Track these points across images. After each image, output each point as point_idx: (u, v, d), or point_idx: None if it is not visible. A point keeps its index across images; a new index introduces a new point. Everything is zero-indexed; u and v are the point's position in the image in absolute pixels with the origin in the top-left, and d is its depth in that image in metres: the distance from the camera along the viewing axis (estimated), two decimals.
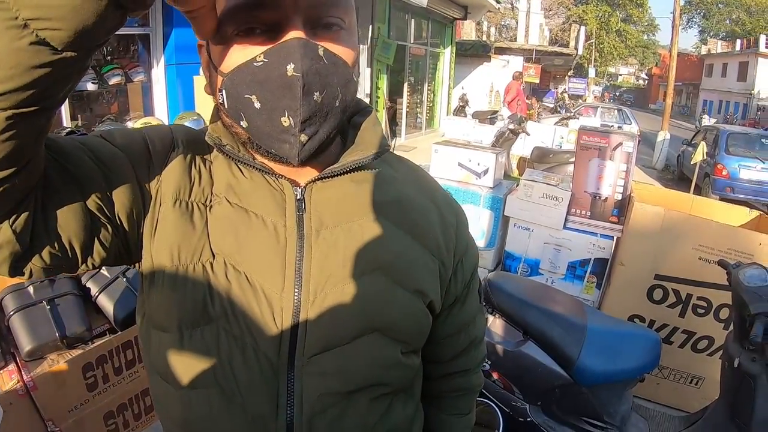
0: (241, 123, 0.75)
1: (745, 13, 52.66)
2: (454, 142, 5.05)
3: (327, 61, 0.71)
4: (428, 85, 16.63)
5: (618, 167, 3.76)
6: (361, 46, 10.87)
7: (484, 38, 27.67)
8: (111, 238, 0.76)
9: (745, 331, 2.29)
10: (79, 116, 5.98)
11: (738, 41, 42.30)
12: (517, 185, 4.26)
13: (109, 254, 0.77)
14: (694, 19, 62.39)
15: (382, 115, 12.15)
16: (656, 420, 2.81)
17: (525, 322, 2.49)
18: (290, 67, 0.68)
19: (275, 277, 0.80)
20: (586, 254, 3.84)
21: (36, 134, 0.61)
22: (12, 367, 2.28)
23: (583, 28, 31.32)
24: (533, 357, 2.47)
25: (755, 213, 3.72)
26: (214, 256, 0.80)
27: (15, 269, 0.69)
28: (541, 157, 7.55)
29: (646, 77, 69.25)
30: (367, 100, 11.34)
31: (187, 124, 4.69)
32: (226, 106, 0.76)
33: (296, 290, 0.80)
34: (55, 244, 0.70)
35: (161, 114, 6.70)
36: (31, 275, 0.70)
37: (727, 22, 56.31)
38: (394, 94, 13.92)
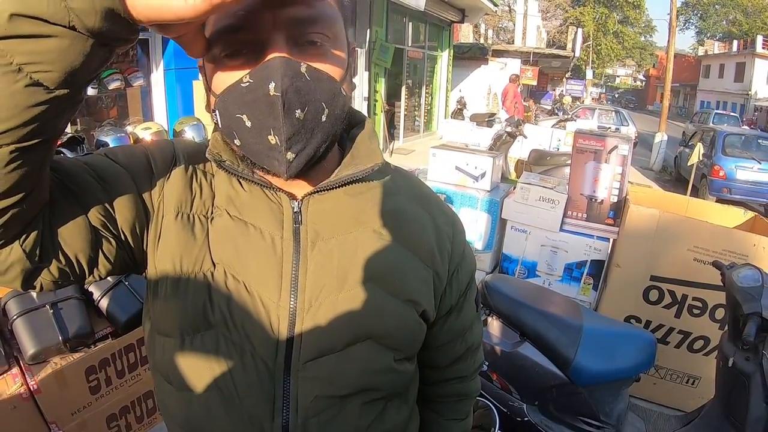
0: (235, 141, 0.78)
1: (742, 14, 52.74)
2: (452, 145, 5.08)
3: (309, 77, 0.73)
4: (426, 88, 16.64)
5: (613, 170, 3.80)
6: (358, 49, 10.93)
7: (482, 41, 27.71)
8: (115, 252, 0.81)
9: (738, 331, 2.33)
10: (78, 121, 5.98)
11: (735, 42, 42.39)
12: (514, 188, 4.31)
13: (114, 266, 0.82)
14: (691, 21, 62.52)
15: (380, 119, 12.17)
16: (653, 419, 2.84)
17: (521, 324, 2.53)
18: (271, 86, 0.70)
19: (272, 286, 0.84)
20: (583, 256, 3.87)
21: (39, 163, 0.66)
22: (16, 370, 2.30)
23: (580, 30, 31.28)
24: (530, 357, 2.51)
25: (750, 214, 3.76)
26: (214, 265, 0.84)
27: (27, 284, 0.74)
28: (539, 160, 7.57)
29: (644, 78, 69.32)
30: (365, 104, 11.40)
31: (186, 128, 4.70)
32: (220, 126, 0.80)
33: (292, 299, 0.84)
34: (63, 260, 0.75)
35: (161, 118, 6.71)
36: (41, 288, 0.75)
37: (724, 23, 56.41)
38: (392, 97, 13.93)
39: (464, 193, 4.44)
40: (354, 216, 0.90)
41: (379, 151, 0.93)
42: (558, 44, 39.22)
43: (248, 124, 0.74)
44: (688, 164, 5.93)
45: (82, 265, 0.77)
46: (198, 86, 6.23)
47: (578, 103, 27.72)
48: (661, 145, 14.93)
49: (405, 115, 14.97)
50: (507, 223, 4.23)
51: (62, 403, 2.48)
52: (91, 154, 0.84)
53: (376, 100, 12.04)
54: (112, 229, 0.79)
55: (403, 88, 14.63)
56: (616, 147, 3.76)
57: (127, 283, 2.63)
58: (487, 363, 2.57)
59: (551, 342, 2.46)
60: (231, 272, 0.83)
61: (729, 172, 10.82)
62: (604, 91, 58.05)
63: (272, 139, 0.74)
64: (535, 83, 23.39)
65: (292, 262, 0.85)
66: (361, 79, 11.18)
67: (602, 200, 3.83)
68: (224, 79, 0.75)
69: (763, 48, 36.80)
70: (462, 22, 17.16)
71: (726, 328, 2.57)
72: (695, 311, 3.28)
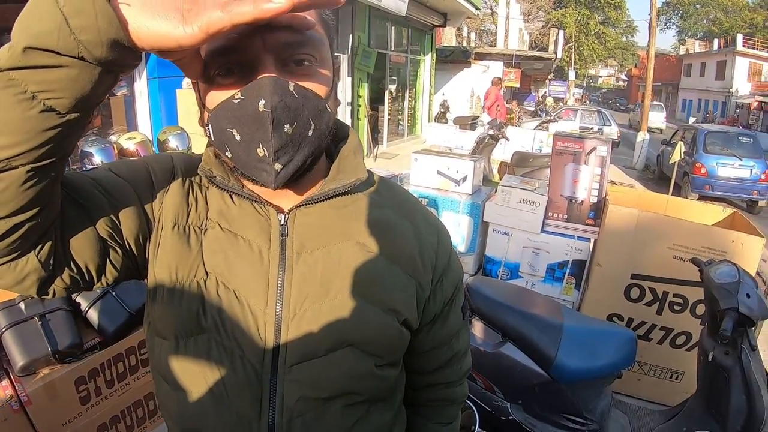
0: (227, 153, 0.83)
1: (722, 13, 53.30)
2: (434, 150, 5.13)
3: (297, 95, 0.78)
4: (409, 92, 16.66)
5: (593, 171, 3.87)
6: (341, 55, 10.96)
7: (465, 44, 27.83)
8: (121, 260, 0.87)
9: (717, 326, 2.38)
10: None
11: (716, 41, 42.82)
12: (496, 191, 4.36)
13: (120, 273, 0.88)
14: (672, 20, 63.09)
15: (364, 123, 12.20)
16: (637, 415, 2.89)
17: (503, 324, 2.57)
18: (261, 103, 0.75)
19: (260, 294, 0.89)
20: (564, 256, 3.93)
21: (53, 179, 0.72)
22: (6, 382, 2.31)
23: (561, 32, 31.50)
24: (512, 357, 2.55)
25: (729, 211, 3.82)
26: (207, 274, 0.89)
27: (41, 291, 0.81)
28: (521, 162, 7.62)
29: (626, 78, 69.66)
30: (348, 109, 11.41)
31: (170, 137, 4.70)
32: (212, 139, 0.85)
33: (278, 307, 0.89)
34: (74, 268, 0.81)
35: (144, 128, 6.71)
36: (54, 294, 0.82)
37: (705, 22, 56.97)
38: (376, 101, 13.94)
39: (446, 197, 4.49)
40: (338, 228, 0.94)
41: (363, 165, 0.98)
42: (540, 46, 39.45)
43: (238, 138, 0.79)
44: (670, 162, 6.02)
45: (91, 273, 0.83)
46: (181, 95, 6.24)
47: (561, 104, 27.87)
48: (643, 144, 15.06)
49: (389, 119, 14.98)
50: (489, 225, 4.28)
51: (53, 414, 2.48)
52: (95, 169, 0.90)
53: (360, 105, 12.07)
54: (117, 239, 0.85)
55: (387, 93, 14.63)
56: (594, 149, 3.83)
57: (114, 293, 2.65)
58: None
59: (533, 341, 2.51)
60: (222, 281, 0.89)
61: (710, 169, 10.96)
62: (585, 91, 58.12)
63: (261, 152, 0.78)
64: (517, 85, 23.55)
65: (278, 272, 0.90)
66: (345, 84, 11.21)
67: (582, 201, 3.89)
68: (217, 96, 0.80)
69: (743, 46, 37.22)
70: (444, 26, 17.21)
71: (705, 323, 2.63)
72: (676, 308, 3.34)
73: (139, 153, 4.42)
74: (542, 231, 4.00)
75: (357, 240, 0.95)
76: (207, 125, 0.84)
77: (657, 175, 13.94)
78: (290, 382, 0.91)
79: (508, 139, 8.52)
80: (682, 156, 5.79)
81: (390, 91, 14.89)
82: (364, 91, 12.36)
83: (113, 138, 4.84)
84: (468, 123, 11.89)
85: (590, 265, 3.81)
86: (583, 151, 3.85)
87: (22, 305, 2.43)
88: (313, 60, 0.83)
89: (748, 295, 2.31)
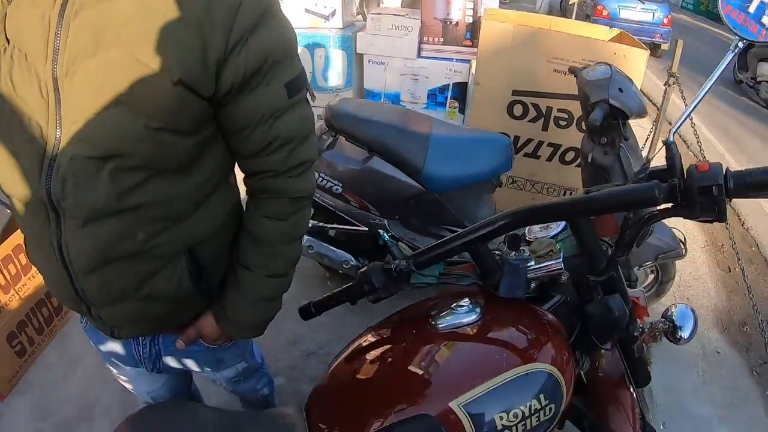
0: None
1: None
2: None
3: None
4: None
5: None
6: None
7: None
8: None
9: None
10: None
11: None
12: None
13: None
14: None
15: None
16: None
17: (367, 139, 2.48)
18: None
19: (40, 52, 0.92)
20: (444, 80, 3.86)
21: None
22: None
23: None
24: (381, 171, 2.50)
25: (616, 31, 3.72)
26: (8, 41, 0.94)
27: None
28: None
29: None
30: None
31: None
32: None
33: (54, 64, 0.92)
34: None
35: None
36: None
37: None
38: None
39: (316, 34, 4.27)
40: None
41: None
42: None
43: None
44: (570, 2, 5.90)
45: None
46: None
47: None
48: None
49: None
50: (363, 57, 4.17)
51: None
52: None
53: None
54: None
55: None
56: None
57: None
58: (340, 184, 2.53)
59: (398, 152, 2.44)
60: (18, 46, 0.93)
61: (612, 12, 11.13)
62: None
63: None
64: None
65: (56, 30, 0.91)
66: None
67: (457, 22, 3.78)
68: None
69: None
70: None
71: (585, 129, 2.58)
72: (561, 123, 3.32)
73: None
74: (419, 56, 3.91)
75: None
76: None
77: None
78: (67, 141, 0.94)
79: None
80: None
81: None
82: None
83: None
84: None
85: (470, 87, 3.71)
86: None
87: None
88: None
89: (620, 90, 2.26)
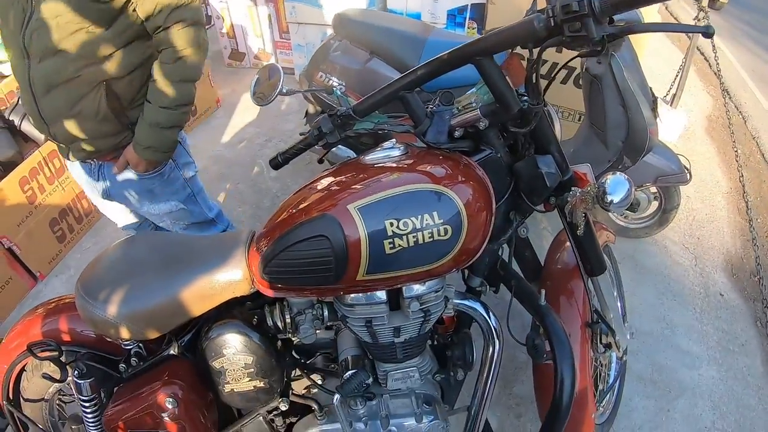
0: None
1: None
2: None
3: None
4: None
5: None
6: None
7: None
8: None
9: None
10: None
11: None
12: None
13: None
14: None
15: None
16: None
17: (370, 41, 2.63)
18: None
19: None
20: (463, 1, 3.89)
21: None
22: None
23: None
24: (380, 72, 2.64)
25: None
26: None
27: None
28: None
29: None
30: None
31: None
32: None
33: None
34: None
35: None
36: None
37: None
38: None
39: None
40: None
41: None
42: None
43: None
44: None
45: None
46: None
47: None
48: None
49: None
50: None
51: (6, 217, 2.79)
52: None
53: None
54: None
55: None
56: None
57: None
58: (343, 84, 2.67)
59: (395, 54, 2.58)
60: None
61: None
62: None
63: None
64: None
65: None
66: None
67: None
68: None
69: None
70: None
71: None
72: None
73: None
74: None
75: None
76: None
77: None
78: (35, 11, 1.57)
79: None
80: None
81: None
82: None
83: None
84: None
85: (486, 7, 3.75)
86: None
87: None
88: None
89: None
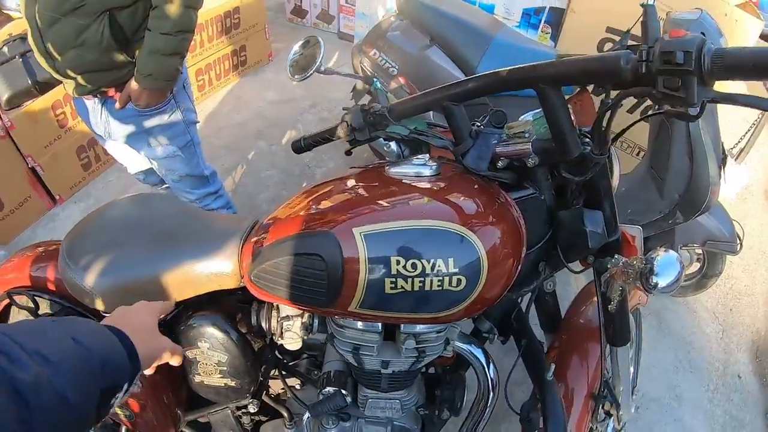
0: None
1: None
2: None
3: None
4: None
5: None
6: None
7: None
8: None
9: None
10: None
11: None
12: None
13: None
14: None
15: None
16: None
17: (433, 27, 2.48)
18: None
19: None
20: (540, 2, 3.70)
21: None
22: None
23: None
24: (436, 61, 2.49)
25: None
26: None
27: None
28: None
29: None
30: None
31: None
32: None
33: None
34: None
35: None
36: None
37: None
38: None
39: None
40: None
41: None
42: None
43: None
44: None
45: None
46: None
47: None
48: None
49: None
50: None
51: (35, 137, 2.80)
52: None
53: None
54: None
55: None
56: None
57: None
58: (396, 66, 2.54)
59: (457, 46, 2.43)
60: None
61: None
62: None
63: None
64: None
65: None
66: None
67: None
68: None
69: None
70: None
71: None
72: None
73: None
74: None
75: None
76: None
77: None
78: None
79: None
80: None
81: None
82: None
83: None
84: None
85: (566, 14, 3.55)
86: None
87: (5, 49, 2.52)
88: None
89: (703, 34, 2.11)
